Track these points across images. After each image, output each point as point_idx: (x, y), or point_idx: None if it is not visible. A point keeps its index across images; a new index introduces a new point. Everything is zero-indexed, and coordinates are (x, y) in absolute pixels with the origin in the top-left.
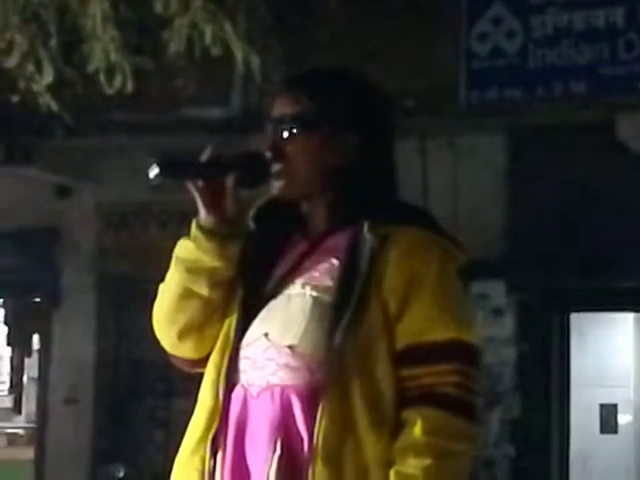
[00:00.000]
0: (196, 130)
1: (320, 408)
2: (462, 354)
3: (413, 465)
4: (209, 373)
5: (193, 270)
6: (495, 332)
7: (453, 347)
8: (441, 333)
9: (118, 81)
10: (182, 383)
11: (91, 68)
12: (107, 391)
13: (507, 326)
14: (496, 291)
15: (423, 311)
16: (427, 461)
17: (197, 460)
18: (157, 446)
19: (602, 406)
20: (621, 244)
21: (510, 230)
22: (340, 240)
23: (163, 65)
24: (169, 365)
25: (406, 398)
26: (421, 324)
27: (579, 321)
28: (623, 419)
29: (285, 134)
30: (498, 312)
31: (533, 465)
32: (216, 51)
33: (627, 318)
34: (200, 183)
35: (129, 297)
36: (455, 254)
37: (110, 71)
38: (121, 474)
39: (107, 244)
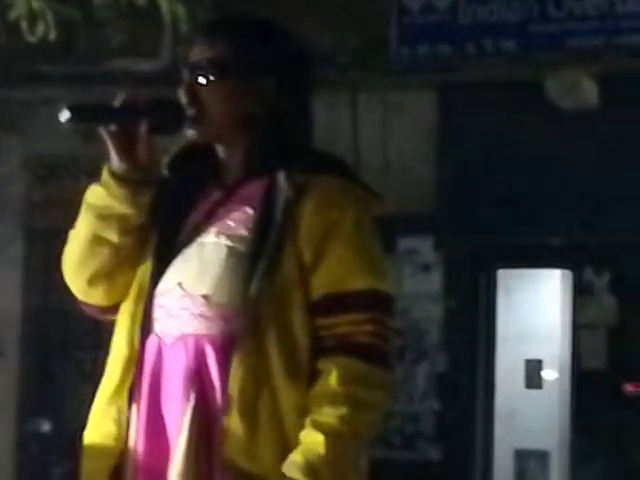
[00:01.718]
0: (125, 82)
1: (235, 358)
2: (377, 303)
3: (328, 414)
4: (123, 322)
5: (103, 216)
6: (422, 288)
7: (368, 296)
8: (357, 282)
9: (40, 30)
10: (111, 336)
11: (13, 16)
12: (34, 344)
13: (434, 282)
14: (424, 247)
15: (339, 260)
16: (342, 410)
17: (113, 410)
18: (84, 400)
19: (527, 361)
20: (548, 202)
21: (439, 186)
22: (255, 189)
23: (92, 16)
24: (99, 319)
25: (322, 347)
26: (336, 273)
27: (506, 277)
28: (548, 374)
29: (201, 79)
30: (426, 268)
31: (458, 420)
32: (141, 1)
33: (554, 274)
34: (112, 128)
35: (58, 250)
36: (370, 203)
37: (32, 19)
38: (46, 428)
39: (36, 197)
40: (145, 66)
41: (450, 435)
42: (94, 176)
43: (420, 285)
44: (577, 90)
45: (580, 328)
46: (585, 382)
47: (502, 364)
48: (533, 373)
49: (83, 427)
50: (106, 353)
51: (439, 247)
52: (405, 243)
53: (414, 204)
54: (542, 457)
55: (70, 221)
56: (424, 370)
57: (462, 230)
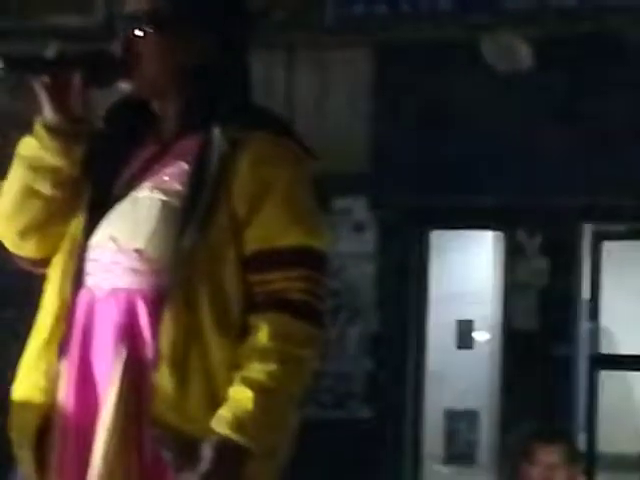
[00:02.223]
0: (58, 37)
1: (166, 313)
2: (311, 260)
3: (258, 370)
4: (55, 275)
5: (35, 168)
6: (356, 247)
7: (302, 253)
8: (291, 239)
9: None
10: (43, 294)
11: None
12: None
13: (368, 242)
14: (358, 207)
15: (273, 216)
16: (272, 366)
17: (43, 364)
18: (15, 360)
19: (459, 322)
20: (482, 164)
21: (373, 147)
22: (191, 144)
23: None
24: (31, 275)
25: (254, 303)
26: (271, 229)
27: (439, 238)
28: (479, 335)
29: (137, 32)
30: (359, 227)
31: (390, 379)
32: None
33: (486, 236)
34: (46, 79)
35: None
36: (307, 161)
37: None
38: None
39: None
40: (77, 21)
41: (381, 395)
42: (24, 131)
43: (354, 245)
44: (512, 52)
45: (511, 289)
46: (515, 343)
47: (434, 324)
48: (464, 333)
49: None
50: (38, 311)
51: (373, 207)
52: (339, 203)
53: (349, 164)
54: (471, 417)
55: (0, 176)
56: (357, 329)
57: (396, 190)
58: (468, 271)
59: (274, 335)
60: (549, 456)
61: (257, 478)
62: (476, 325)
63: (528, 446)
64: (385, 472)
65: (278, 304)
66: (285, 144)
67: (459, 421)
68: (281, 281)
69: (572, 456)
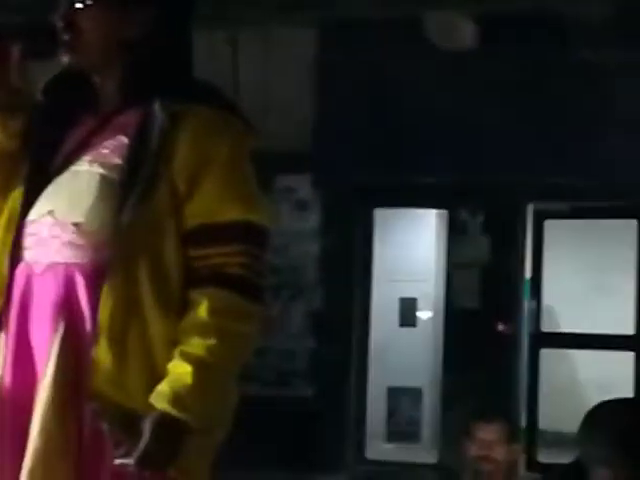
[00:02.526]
0: None
1: (105, 287)
2: (251, 236)
3: (197, 345)
4: None
5: None
6: (300, 225)
7: (242, 228)
8: (231, 214)
9: None
10: None
11: None
12: None
13: (312, 220)
14: (302, 185)
15: (213, 191)
16: (211, 341)
17: None
18: None
19: (402, 300)
20: (425, 143)
21: (318, 125)
22: (131, 117)
23: None
24: None
25: (194, 278)
26: (211, 204)
27: (382, 216)
28: (422, 313)
29: (78, 4)
30: (303, 206)
31: (334, 357)
32: None
33: (429, 214)
34: None
35: None
36: (247, 136)
37: None
38: None
39: None
40: None
41: (325, 372)
42: None
43: (297, 223)
44: (455, 30)
45: (454, 267)
46: (458, 321)
47: (377, 302)
48: (407, 311)
49: None
50: None
51: (316, 185)
52: (283, 180)
53: (292, 141)
54: (414, 394)
55: None
56: (300, 307)
57: (339, 168)
58: (411, 249)
59: (213, 310)
60: (487, 434)
61: (196, 453)
62: (419, 303)
63: (468, 424)
64: (328, 449)
65: (218, 279)
66: (226, 119)
67: (402, 398)
68: (221, 256)
69: (511, 434)
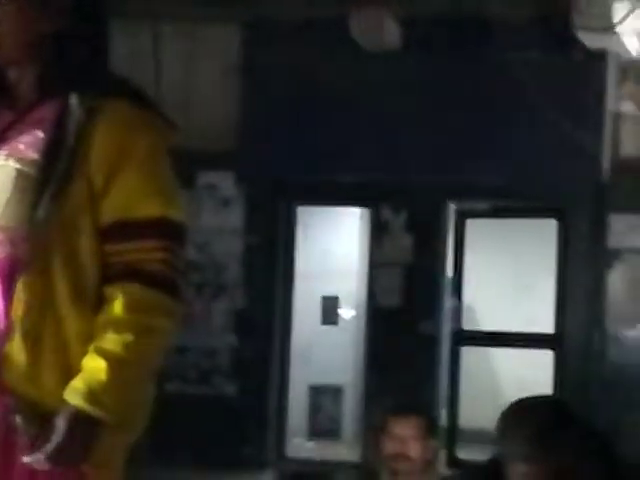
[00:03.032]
0: None
1: (20, 282)
2: (168, 232)
3: (112, 340)
4: None
5: None
6: (222, 223)
7: (160, 224)
8: (148, 210)
9: None
10: None
11: None
12: None
13: (234, 217)
14: (225, 182)
15: (130, 187)
16: (127, 337)
17: None
18: None
19: (324, 298)
20: (348, 141)
21: (241, 122)
22: (47, 112)
23: None
24: None
25: (110, 274)
26: (128, 200)
27: (305, 214)
28: (344, 311)
29: None
30: (226, 203)
31: (255, 355)
32: None
33: (352, 212)
34: None
35: None
36: (166, 132)
37: None
38: None
39: None
40: None
41: (246, 370)
42: None
43: (220, 220)
44: (380, 30)
45: (376, 266)
46: (380, 319)
47: (299, 300)
48: (329, 310)
49: None
50: None
51: (240, 182)
52: (205, 178)
53: (216, 139)
54: (336, 392)
55: None
56: (222, 305)
57: (262, 166)
58: (334, 248)
59: (129, 306)
60: (403, 429)
61: (111, 450)
62: (341, 301)
63: (385, 420)
64: (250, 447)
65: (134, 275)
66: (144, 114)
67: (323, 396)
68: (138, 252)
69: (428, 430)
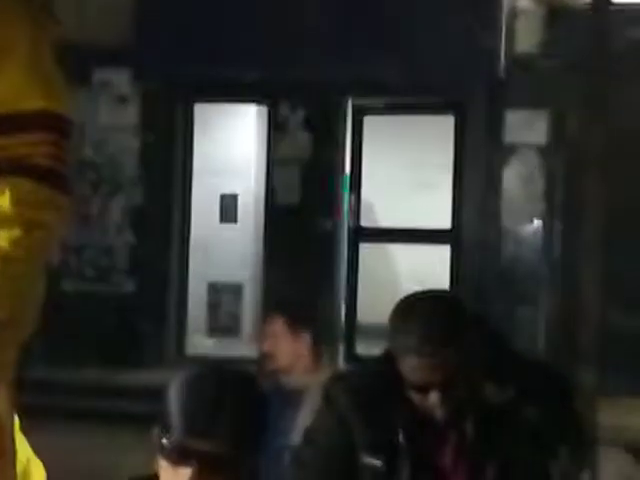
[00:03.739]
0: None
1: None
2: (54, 125)
3: (1, 237)
4: None
5: None
6: (118, 120)
7: (44, 117)
8: (33, 103)
9: None
10: None
11: None
12: None
13: (131, 115)
14: (121, 79)
15: (12, 80)
16: (15, 231)
17: None
18: None
19: (222, 196)
20: (245, 37)
21: (138, 18)
22: None
23: None
24: None
25: None
26: (12, 93)
27: (202, 111)
28: (243, 209)
29: None
30: (122, 100)
31: (153, 252)
32: None
33: (250, 110)
34: None
35: None
36: (48, 24)
37: None
38: None
39: None
40: None
41: (145, 268)
42: None
43: (116, 118)
44: None
45: (275, 163)
46: (279, 216)
47: (198, 198)
48: (228, 207)
49: None
50: None
51: (136, 79)
52: (101, 74)
53: (112, 35)
54: (235, 289)
55: None
56: (119, 203)
57: (159, 63)
58: (232, 145)
59: (17, 200)
60: (271, 327)
61: (1, 346)
62: (240, 199)
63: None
64: (149, 344)
65: (21, 169)
66: (23, 5)
67: (223, 293)
68: (24, 146)
69: (301, 328)
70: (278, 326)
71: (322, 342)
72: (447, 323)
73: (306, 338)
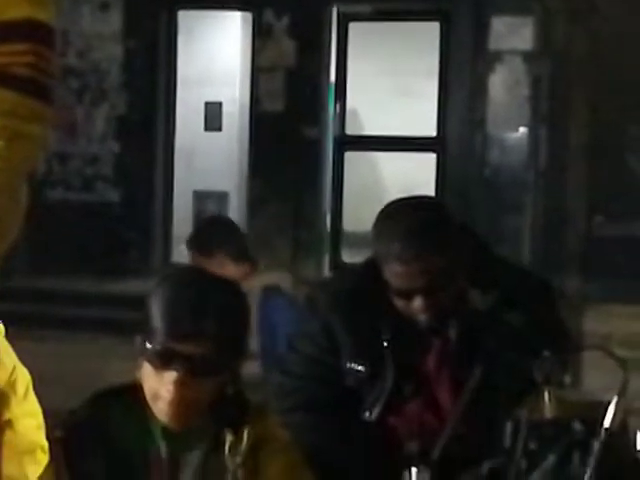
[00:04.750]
0: None
1: None
2: (37, 34)
3: None
4: None
5: None
6: (102, 28)
7: (27, 26)
8: (15, 11)
9: None
10: None
11: None
12: None
13: (114, 22)
14: None
15: None
16: None
17: None
18: None
19: (207, 104)
20: None
21: None
22: None
23: None
24: None
25: None
26: None
27: (186, 18)
28: (228, 117)
29: None
30: (105, 7)
31: (138, 161)
32: None
33: (233, 17)
34: None
35: None
36: None
37: None
38: None
39: None
40: None
41: (130, 177)
42: None
43: (99, 25)
44: None
45: (259, 71)
46: (263, 124)
47: (182, 106)
48: (213, 115)
49: None
50: None
51: None
52: None
53: None
54: (221, 198)
55: None
56: (104, 111)
57: None
58: (216, 52)
59: (0, 111)
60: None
61: None
62: (224, 107)
63: None
64: (135, 253)
65: (3, 79)
66: None
67: (209, 202)
68: (6, 56)
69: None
70: (194, 258)
71: (244, 257)
72: (431, 228)
73: (219, 259)
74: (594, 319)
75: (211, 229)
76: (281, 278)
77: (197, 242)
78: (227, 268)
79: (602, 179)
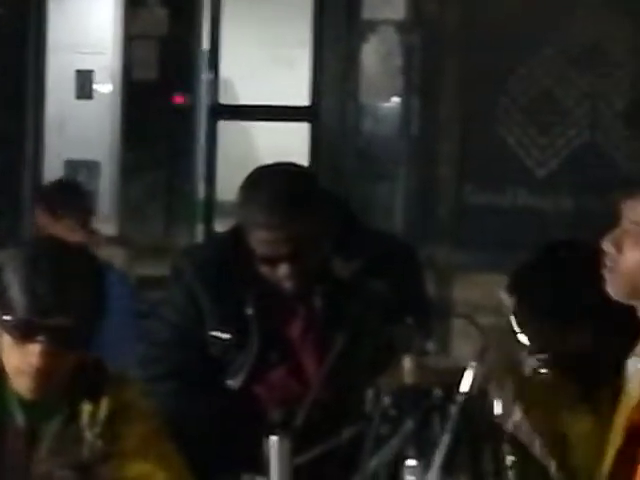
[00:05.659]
0: None
1: None
2: None
3: None
4: None
5: None
6: None
7: None
8: None
9: None
10: None
11: None
12: None
13: None
14: None
15: None
16: None
17: None
18: None
19: (78, 72)
20: None
21: None
22: None
23: None
24: None
25: None
26: None
27: None
28: (99, 86)
29: None
30: None
31: (7, 131)
32: None
33: None
34: None
35: None
36: None
37: None
38: None
39: None
40: None
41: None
42: None
43: None
44: None
45: (131, 39)
46: (136, 93)
47: (52, 74)
48: (84, 84)
49: None
50: None
51: None
52: None
53: None
54: (92, 167)
55: None
56: None
57: None
58: (87, 20)
59: None
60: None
61: None
62: (96, 75)
63: None
64: (4, 223)
65: None
66: None
67: (80, 172)
68: None
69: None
70: (41, 217)
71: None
72: (296, 195)
73: (65, 222)
74: (465, 287)
75: (59, 191)
76: (113, 253)
77: (44, 203)
78: (73, 233)
79: (473, 149)
